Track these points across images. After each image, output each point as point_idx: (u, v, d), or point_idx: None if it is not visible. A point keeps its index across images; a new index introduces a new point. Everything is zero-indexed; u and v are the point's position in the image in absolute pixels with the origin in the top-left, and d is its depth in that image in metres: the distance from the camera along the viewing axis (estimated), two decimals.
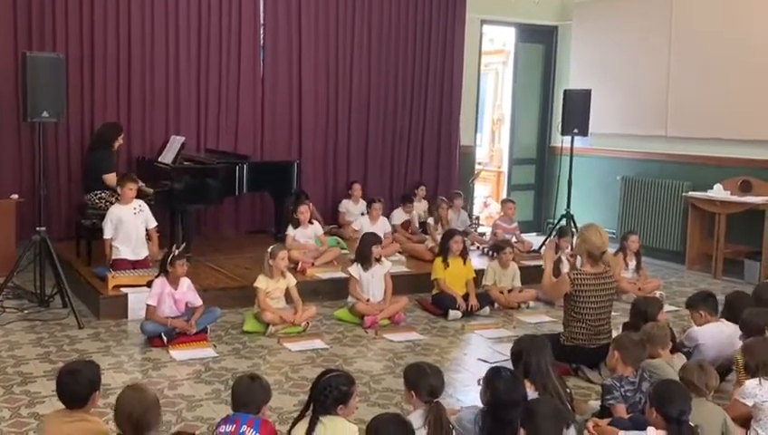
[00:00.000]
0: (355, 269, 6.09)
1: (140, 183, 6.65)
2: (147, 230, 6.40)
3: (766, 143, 7.89)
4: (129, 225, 6.26)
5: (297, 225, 7.26)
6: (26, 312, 5.86)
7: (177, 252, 5.35)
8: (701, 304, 4.93)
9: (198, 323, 5.37)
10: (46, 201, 6.16)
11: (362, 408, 4.06)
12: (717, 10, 8.24)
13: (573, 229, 8.06)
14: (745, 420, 3.82)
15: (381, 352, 5.33)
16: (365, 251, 6.10)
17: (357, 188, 8.83)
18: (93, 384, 3.18)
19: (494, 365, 3.72)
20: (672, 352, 4.42)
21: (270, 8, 8.56)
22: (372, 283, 6.09)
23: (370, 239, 6.20)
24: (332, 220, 8.81)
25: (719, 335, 4.75)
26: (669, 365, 4.17)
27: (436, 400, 3.39)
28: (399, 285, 6.44)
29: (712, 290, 5.44)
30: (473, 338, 5.82)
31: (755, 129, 7.88)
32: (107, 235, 6.21)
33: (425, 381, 3.41)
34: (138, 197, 6.41)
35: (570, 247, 6.88)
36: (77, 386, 3.15)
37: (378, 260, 6.14)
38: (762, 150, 7.95)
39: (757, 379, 3.80)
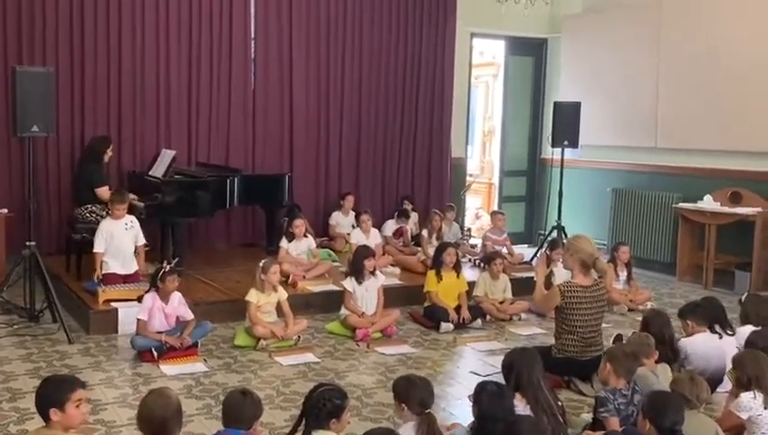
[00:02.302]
0: (349, 283, 6.08)
1: (131, 197, 6.63)
2: (135, 246, 6.37)
3: (755, 154, 7.94)
4: (120, 240, 6.24)
5: (292, 238, 7.25)
6: (16, 327, 5.82)
7: (167, 267, 5.34)
8: (689, 314, 4.95)
9: (190, 337, 5.34)
10: (36, 216, 6.14)
11: (354, 422, 4.04)
12: (706, 23, 8.30)
13: (564, 241, 8.08)
14: (737, 433, 3.83)
15: (373, 366, 5.32)
16: (358, 264, 6.09)
17: (350, 199, 8.82)
18: (48, 401, 3.11)
19: (485, 378, 3.71)
20: (658, 361, 4.43)
21: (261, 22, 8.58)
22: (366, 296, 6.08)
23: (363, 253, 6.20)
24: (323, 233, 8.80)
25: (706, 345, 4.76)
26: (652, 373, 4.18)
27: (427, 410, 3.38)
28: (392, 297, 6.43)
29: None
30: (465, 351, 5.82)
31: (745, 140, 7.93)
32: (98, 249, 6.18)
33: (415, 392, 3.41)
34: (128, 210, 6.39)
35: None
36: (37, 402, 3.15)
37: (372, 273, 6.13)
38: (751, 162, 8.00)
39: (752, 392, 3.81)
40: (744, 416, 3.78)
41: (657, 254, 8.81)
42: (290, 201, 8.27)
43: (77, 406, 3.14)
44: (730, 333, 4.92)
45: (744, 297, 5.32)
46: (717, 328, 4.89)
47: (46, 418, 3.13)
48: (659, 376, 4.17)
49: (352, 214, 8.67)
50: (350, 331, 5.91)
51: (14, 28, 7.40)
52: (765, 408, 3.74)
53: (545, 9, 9.37)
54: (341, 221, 8.79)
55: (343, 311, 6.04)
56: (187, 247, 7.41)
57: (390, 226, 8.66)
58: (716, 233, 7.98)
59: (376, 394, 4.73)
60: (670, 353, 4.66)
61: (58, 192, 7.68)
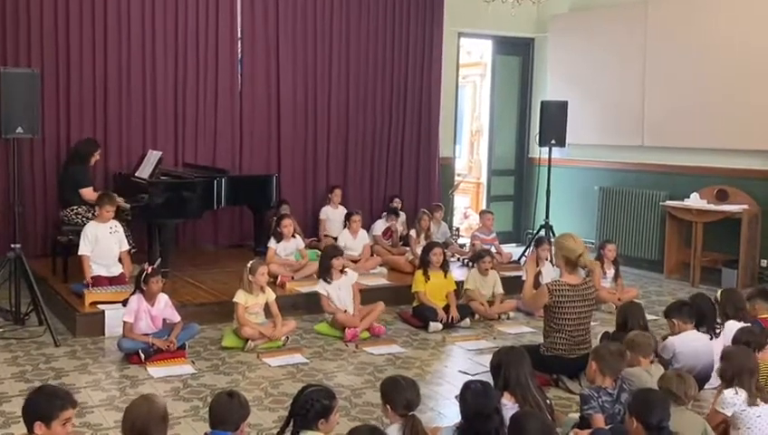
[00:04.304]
0: (321, 286, 6.06)
1: (119, 200, 6.60)
2: (119, 252, 6.34)
3: (741, 152, 7.99)
4: (105, 243, 6.22)
5: (280, 238, 7.22)
6: (1, 330, 5.77)
7: (150, 269, 5.31)
8: (674, 313, 4.96)
9: (177, 339, 5.32)
10: (21, 218, 6.08)
11: (342, 423, 4.03)
12: (692, 21, 8.34)
13: (551, 238, 8.10)
14: (724, 430, 3.84)
15: (362, 366, 5.31)
16: (325, 264, 6.09)
17: (337, 193, 8.75)
18: (35, 413, 3.05)
19: (473, 377, 3.71)
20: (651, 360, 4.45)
21: (247, 21, 8.55)
22: (341, 295, 6.05)
23: (331, 252, 6.20)
24: (312, 233, 8.77)
25: (693, 343, 4.78)
26: (648, 374, 4.18)
27: (411, 413, 3.37)
28: (380, 297, 6.41)
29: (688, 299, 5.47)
30: (454, 350, 5.82)
31: (730, 138, 7.97)
32: (84, 251, 6.14)
33: (400, 394, 3.40)
34: (115, 211, 6.36)
35: (549, 256, 6.90)
36: (24, 410, 3.10)
37: (341, 272, 6.11)
38: (737, 159, 8.05)
39: (734, 388, 3.83)
40: (728, 412, 3.79)
41: (645, 252, 8.85)
42: (278, 199, 8.24)
43: (63, 424, 3.06)
44: (717, 332, 4.94)
45: (718, 295, 5.35)
46: (703, 330, 4.91)
47: (30, 428, 3.07)
48: (653, 376, 4.16)
49: (342, 208, 8.62)
50: (339, 331, 5.90)
51: None
52: (749, 405, 3.76)
53: (532, 9, 9.38)
54: (331, 215, 8.71)
55: (328, 314, 6.02)
56: (175, 249, 7.37)
57: (380, 226, 8.64)
58: (703, 230, 8.02)
59: (364, 394, 4.72)
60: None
61: (44, 194, 7.62)
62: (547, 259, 6.88)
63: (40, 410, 3.06)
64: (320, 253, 7.94)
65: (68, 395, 3.19)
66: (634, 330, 4.65)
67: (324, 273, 6.06)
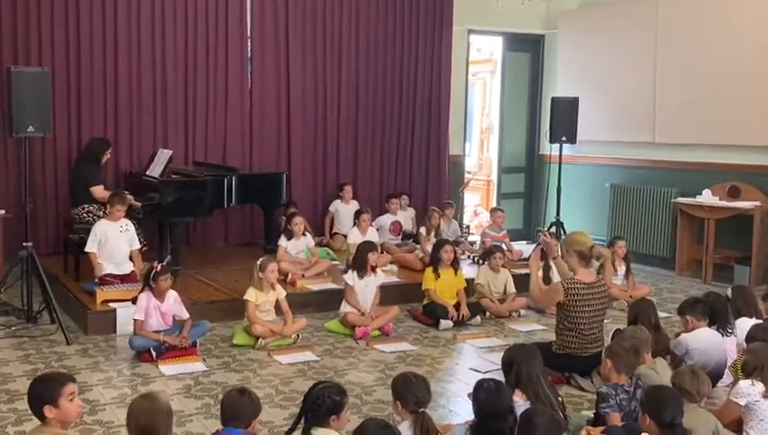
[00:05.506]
0: (350, 276, 6.05)
1: (130, 198, 6.61)
2: (130, 251, 6.36)
3: (754, 148, 7.93)
4: (115, 242, 6.23)
5: (290, 236, 7.22)
6: (14, 328, 5.79)
7: (159, 267, 5.32)
8: (688, 310, 4.94)
9: (189, 335, 5.33)
10: (33, 216, 6.11)
11: (354, 420, 4.02)
12: (703, 17, 8.28)
13: (562, 232, 8.08)
14: (737, 426, 3.82)
15: (373, 364, 5.30)
16: (362, 258, 6.06)
17: (348, 189, 8.75)
18: (40, 398, 3.11)
19: (484, 375, 3.70)
20: (654, 356, 4.41)
21: (257, 20, 8.55)
22: (366, 292, 6.05)
23: (367, 247, 6.18)
24: (322, 232, 8.77)
25: (706, 341, 4.75)
26: (653, 371, 4.16)
27: (422, 410, 3.37)
28: (391, 294, 6.42)
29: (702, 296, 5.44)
30: (464, 348, 5.80)
31: (743, 134, 7.91)
32: (90, 249, 6.16)
33: (410, 391, 3.40)
34: (127, 210, 6.38)
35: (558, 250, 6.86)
36: (30, 403, 3.16)
37: (373, 269, 6.11)
38: (749, 156, 7.99)
39: (751, 380, 3.81)
40: (741, 402, 3.78)
41: (656, 249, 8.80)
42: (288, 198, 8.25)
43: (70, 400, 3.12)
44: (730, 331, 4.91)
45: (729, 292, 5.32)
46: (715, 328, 4.88)
47: (41, 417, 3.11)
48: (660, 373, 4.15)
49: (354, 203, 8.61)
50: (350, 329, 5.89)
51: (9, 28, 7.37)
52: (765, 398, 3.74)
53: (542, 5, 9.39)
54: (341, 210, 8.69)
55: (343, 308, 6.02)
56: (185, 247, 7.39)
57: (386, 222, 8.60)
58: (715, 227, 7.97)
59: (375, 392, 4.71)
60: (661, 339, 4.73)
61: (55, 193, 7.65)
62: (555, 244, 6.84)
63: (43, 395, 3.11)
64: (330, 251, 8.02)
65: (63, 373, 3.29)
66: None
67: (360, 267, 6.03)
